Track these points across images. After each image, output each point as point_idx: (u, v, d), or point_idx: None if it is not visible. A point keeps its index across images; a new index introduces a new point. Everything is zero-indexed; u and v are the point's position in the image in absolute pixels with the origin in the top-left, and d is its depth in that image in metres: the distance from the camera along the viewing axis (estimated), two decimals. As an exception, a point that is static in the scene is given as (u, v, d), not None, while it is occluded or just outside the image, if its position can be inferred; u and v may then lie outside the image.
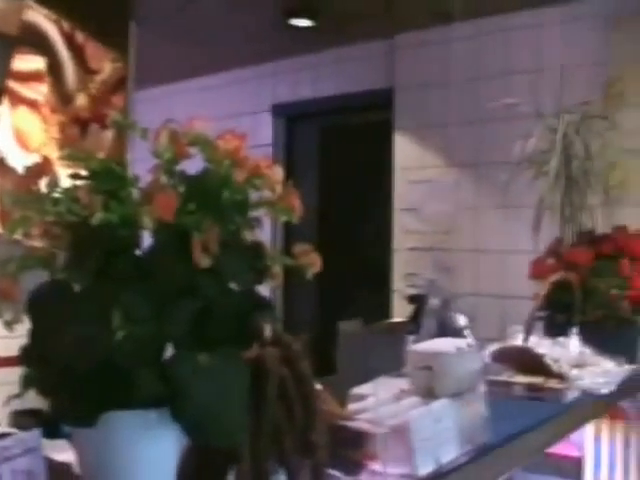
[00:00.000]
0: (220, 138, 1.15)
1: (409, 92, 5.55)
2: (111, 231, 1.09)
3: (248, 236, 1.17)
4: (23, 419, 2.49)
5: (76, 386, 1.08)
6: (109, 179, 1.12)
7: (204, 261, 1.06)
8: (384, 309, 5.40)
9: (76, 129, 1.17)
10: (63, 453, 1.28)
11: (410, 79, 5.53)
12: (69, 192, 1.12)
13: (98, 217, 1.06)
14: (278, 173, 1.18)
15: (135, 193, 1.13)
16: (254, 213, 1.17)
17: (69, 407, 1.09)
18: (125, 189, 1.12)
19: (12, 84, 3.60)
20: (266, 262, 1.18)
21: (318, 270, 1.22)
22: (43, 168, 1.11)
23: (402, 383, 1.79)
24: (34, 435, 1.23)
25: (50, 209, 1.10)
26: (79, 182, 1.13)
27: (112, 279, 1.10)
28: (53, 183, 1.13)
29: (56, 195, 1.12)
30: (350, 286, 6.09)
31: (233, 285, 1.16)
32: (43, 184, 1.14)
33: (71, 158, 1.11)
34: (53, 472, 1.13)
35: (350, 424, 1.52)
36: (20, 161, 3.07)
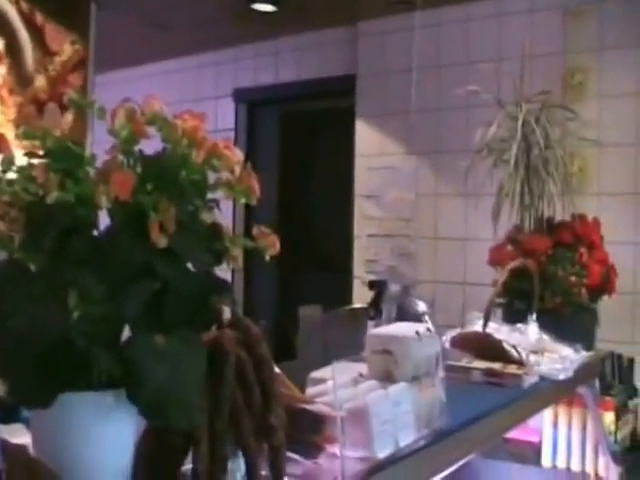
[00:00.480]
0: (178, 118, 1.14)
1: (371, 79, 5.55)
2: (67, 210, 1.08)
3: (207, 218, 1.16)
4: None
5: (31, 367, 1.07)
6: (65, 158, 1.11)
7: (161, 241, 1.05)
8: (344, 294, 5.41)
9: (32, 107, 1.15)
10: (20, 437, 1.26)
11: (372, 66, 5.54)
12: (25, 171, 1.10)
13: (54, 196, 1.04)
14: (237, 154, 1.17)
15: (92, 172, 1.12)
16: (213, 194, 1.17)
17: (25, 388, 1.08)
18: (82, 168, 1.11)
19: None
20: (225, 244, 1.17)
21: (276, 252, 1.22)
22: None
23: (361, 367, 1.79)
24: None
25: (5, 188, 1.09)
26: (35, 161, 1.11)
27: (68, 259, 1.09)
28: (8, 162, 1.11)
29: (11, 174, 1.11)
30: (310, 271, 6.10)
31: (191, 267, 1.15)
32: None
33: (27, 136, 1.09)
34: (8, 454, 1.11)
35: (309, 407, 1.52)
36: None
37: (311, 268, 6.09)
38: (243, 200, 1.19)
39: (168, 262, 1.10)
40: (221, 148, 1.14)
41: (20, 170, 1.11)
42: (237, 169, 1.16)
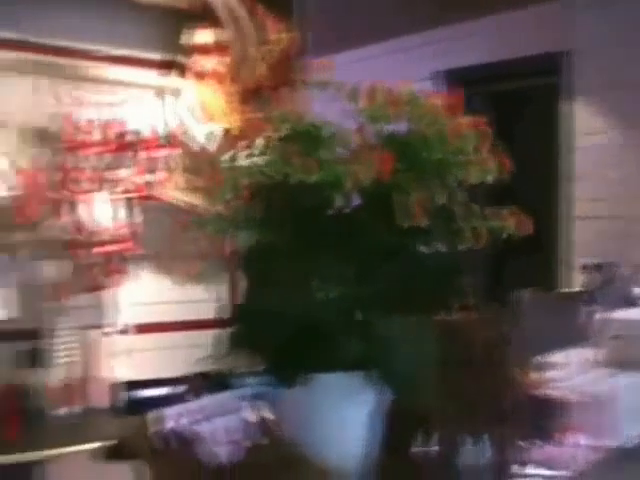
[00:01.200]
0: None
1: (586, 55, 5.37)
2: (312, 192, 1.09)
3: (453, 198, 1.14)
4: (199, 381, 2.57)
5: (286, 346, 1.09)
6: (309, 140, 1.12)
7: (422, 220, 1.03)
8: (551, 278, 5.28)
9: (272, 94, 1.18)
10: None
11: (587, 41, 5.35)
12: (275, 151, 1.11)
13: (313, 178, 1.04)
14: (486, 131, 1.14)
15: (337, 154, 1.12)
16: (460, 173, 1.14)
17: (282, 367, 1.11)
18: (323, 150, 1.11)
19: (194, 58, 3.70)
20: (472, 224, 1.14)
21: (528, 232, 1.20)
22: (253, 129, 1.12)
23: (587, 353, 1.74)
24: (232, 396, 1.26)
25: (264, 169, 1.10)
26: (284, 144, 1.12)
27: (317, 240, 1.10)
28: (256, 146, 1.13)
29: (262, 157, 1.12)
30: (517, 254, 5.98)
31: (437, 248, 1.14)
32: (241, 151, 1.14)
33: (280, 120, 1.10)
34: (266, 431, 1.15)
35: (546, 393, 1.48)
36: (203, 131, 3.18)
37: (518, 251, 5.98)
38: (494, 176, 1.17)
39: (417, 243, 1.10)
40: (467, 127, 1.13)
41: (267, 152, 1.12)
42: (485, 146, 1.14)
